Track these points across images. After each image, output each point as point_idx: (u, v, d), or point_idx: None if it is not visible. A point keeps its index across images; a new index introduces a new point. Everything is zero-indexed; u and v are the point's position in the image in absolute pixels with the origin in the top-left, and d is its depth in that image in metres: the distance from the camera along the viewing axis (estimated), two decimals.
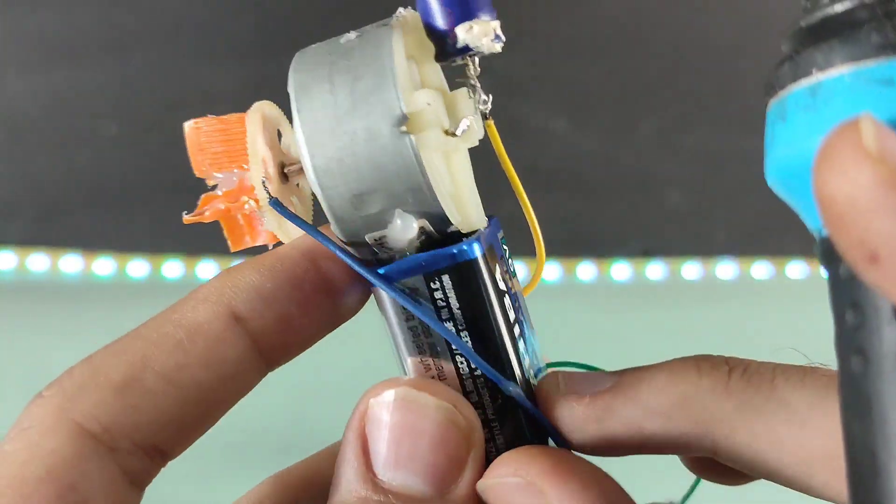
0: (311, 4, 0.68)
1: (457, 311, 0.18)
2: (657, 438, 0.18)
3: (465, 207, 0.20)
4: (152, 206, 0.68)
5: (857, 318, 0.15)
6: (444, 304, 0.18)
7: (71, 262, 0.67)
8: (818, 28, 0.16)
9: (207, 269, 0.68)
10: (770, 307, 0.69)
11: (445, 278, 0.18)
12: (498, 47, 0.19)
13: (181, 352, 0.18)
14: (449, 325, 0.18)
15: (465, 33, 0.18)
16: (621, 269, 0.72)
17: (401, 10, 0.19)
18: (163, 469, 0.19)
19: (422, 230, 0.18)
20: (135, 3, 0.69)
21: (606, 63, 0.73)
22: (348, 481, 0.17)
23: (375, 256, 0.19)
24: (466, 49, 0.19)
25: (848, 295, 0.15)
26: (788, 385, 0.18)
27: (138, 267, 0.67)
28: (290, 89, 0.19)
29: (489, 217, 0.21)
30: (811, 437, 0.17)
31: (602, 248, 0.72)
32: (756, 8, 0.74)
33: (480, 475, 0.17)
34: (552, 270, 0.71)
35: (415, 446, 0.17)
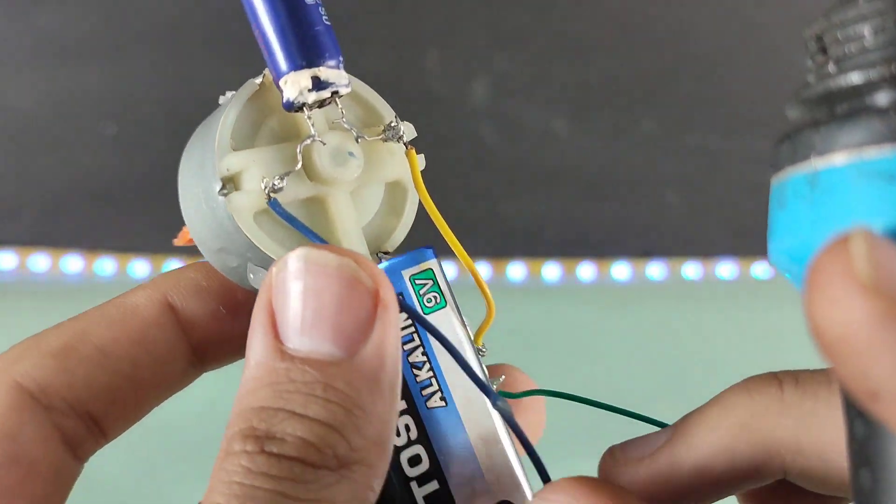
0: None
1: None
2: (728, 476, 0.18)
3: None
4: (153, 205, 0.68)
5: (867, 430, 0.14)
6: None
7: (72, 262, 0.67)
8: (820, 103, 0.14)
9: None
10: (770, 307, 0.69)
11: None
12: (325, 94, 0.18)
13: (117, 327, 0.20)
14: None
15: (284, 88, 0.18)
16: (621, 269, 0.72)
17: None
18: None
19: None
20: (135, 4, 0.69)
21: (606, 63, 0.73)
22: (256, 354, 0.16)
23: None
24: (292, 104, 0.18)
25: (855, 406, 0.14)
26: None
27: (140, 267, 0.67)
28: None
29: (399, 255, 0.20)
30: None
31: (602, 248, 0.73)
32: (756, 8, 0.74)
33: (392, 336, 0.16)
34: (552, 270, 0.71)
35: (319, 308, 0.16)
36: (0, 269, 0.66)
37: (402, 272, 0.20)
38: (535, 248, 0.71)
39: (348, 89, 0.19)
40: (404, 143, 0.20)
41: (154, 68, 0.69)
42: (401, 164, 0.20)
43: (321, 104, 0.19)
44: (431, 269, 0.20)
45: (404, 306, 0.18)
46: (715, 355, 0.62)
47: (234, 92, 0.20)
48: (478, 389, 0.18)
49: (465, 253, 0.20)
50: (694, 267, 0.73)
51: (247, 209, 0.18)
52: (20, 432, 0.18)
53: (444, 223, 0.20)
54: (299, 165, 0.19)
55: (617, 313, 0.67)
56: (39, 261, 0.67)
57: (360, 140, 0.20)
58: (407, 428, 0.19)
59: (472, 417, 0.19)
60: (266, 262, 0.18)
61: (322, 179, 0.19)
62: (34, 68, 0.68)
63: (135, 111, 0.69)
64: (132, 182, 0.69)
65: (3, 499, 0.18)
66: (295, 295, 0.16)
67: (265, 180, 0.18)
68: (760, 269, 0.73)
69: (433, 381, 0.19)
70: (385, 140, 0.20)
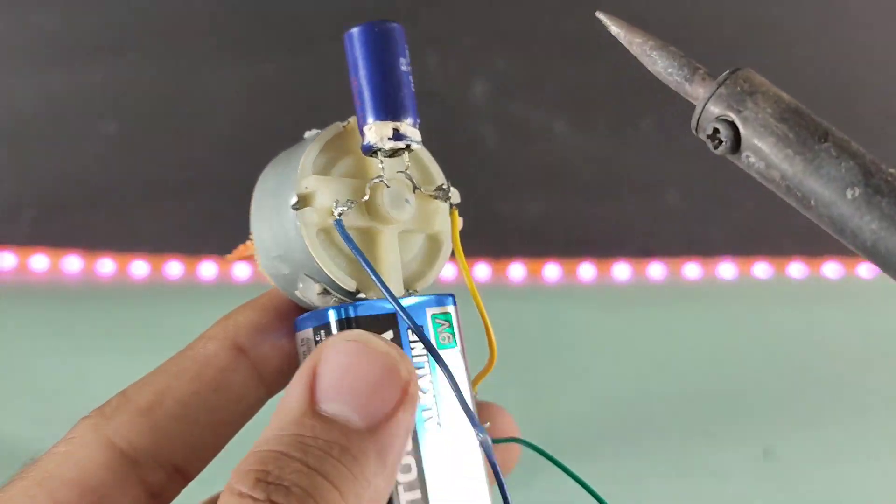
0: (310, 5, 0.68)
1: None
2: None
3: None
4: (153, 206, 0.69)
5: None
6: None
7: (71, 263, 0.67)
8: None
9: (208, 269, 0.68)
10: (770, 307, 0.69)
11: (322, 333, 0.21)
12: (400, 145, 0.22)
13: (196, 381, 0.22)
14: None
15: (367, 133, 0.22)
16: (621, 269, 0.72)
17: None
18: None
19: (325, 291, 0.22)
20: (135, 3, 0.69)
21: (606, 63, 0.73)
22: (291, 409, 0.18)
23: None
24: (371, 147, 0.22)
25: None
26: None
27: (139, 267, 0.67)
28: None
29: (432, 295, 0.23)
30: None
31: (602, 248, 0.72)
32: (755, 7, 0.74)
33: (407, 424, 0.19)
34: (552, 270, 0.71)
35: (357, 384, 0.18)
36: (0, 269, 0.67)
37: (427, 310, 0.22)
38: (535, 248, 0.71)
39: (419, 146, 0.22)
40: (451, 205, 0.24)
41: (154, 68, 0.69)
42: (443, 222, 0.24)
43: (393, 154, 0.22)
44: (450, 314, 0.23)
45: (422, 337, 0.21)
46: (715, 355, 0.62)
47: (318, 130, 0.23)
48: (468, 422, 0.21)
49: (483, 307, 0.23)
50: (694, 267, 0.73)
51: (313, 224, 0.22)
52: (104, 487, 0.20)
53: (471, 278, 0.23)
54: (366, 197, 0.22)
55: (617, 313, 0.67)
56: (39, 261, 0.67)
57: (416, 191, 0.23)
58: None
59: (458, 444, 0.21)
60: (316, 274, 0.22)
61: (379, 216, 0.22)
62: (34, 68, 0.68)
63: (134, 111, 0.69)
64: (132, 182, 0.69)
65: None
66: (340, 366, 0.19)
67: (337, 203, 0.22)
68: (760, 270, 0.73)
69: (434, 406, 0.21)
70: (435, 197, 0.23)
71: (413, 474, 0.21)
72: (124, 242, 0.68)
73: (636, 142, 0.73)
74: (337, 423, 0.18)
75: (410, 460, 0.21)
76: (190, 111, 0.67)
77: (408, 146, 0.22)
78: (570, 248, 0.72)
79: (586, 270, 0.72)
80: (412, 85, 0.22)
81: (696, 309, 0.68)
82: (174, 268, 0.68)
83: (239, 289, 0.67)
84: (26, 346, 0.58)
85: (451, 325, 0.23)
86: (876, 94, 0.75)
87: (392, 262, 0.23)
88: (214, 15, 0.69)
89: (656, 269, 0.72)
